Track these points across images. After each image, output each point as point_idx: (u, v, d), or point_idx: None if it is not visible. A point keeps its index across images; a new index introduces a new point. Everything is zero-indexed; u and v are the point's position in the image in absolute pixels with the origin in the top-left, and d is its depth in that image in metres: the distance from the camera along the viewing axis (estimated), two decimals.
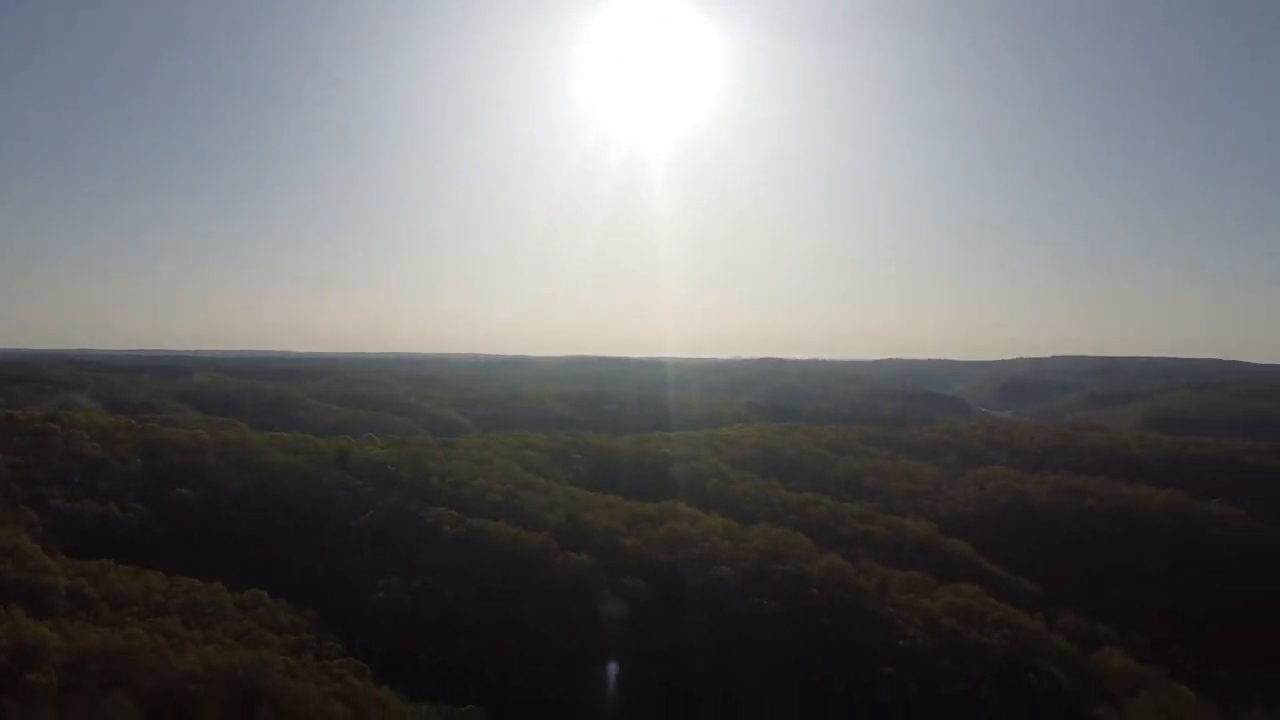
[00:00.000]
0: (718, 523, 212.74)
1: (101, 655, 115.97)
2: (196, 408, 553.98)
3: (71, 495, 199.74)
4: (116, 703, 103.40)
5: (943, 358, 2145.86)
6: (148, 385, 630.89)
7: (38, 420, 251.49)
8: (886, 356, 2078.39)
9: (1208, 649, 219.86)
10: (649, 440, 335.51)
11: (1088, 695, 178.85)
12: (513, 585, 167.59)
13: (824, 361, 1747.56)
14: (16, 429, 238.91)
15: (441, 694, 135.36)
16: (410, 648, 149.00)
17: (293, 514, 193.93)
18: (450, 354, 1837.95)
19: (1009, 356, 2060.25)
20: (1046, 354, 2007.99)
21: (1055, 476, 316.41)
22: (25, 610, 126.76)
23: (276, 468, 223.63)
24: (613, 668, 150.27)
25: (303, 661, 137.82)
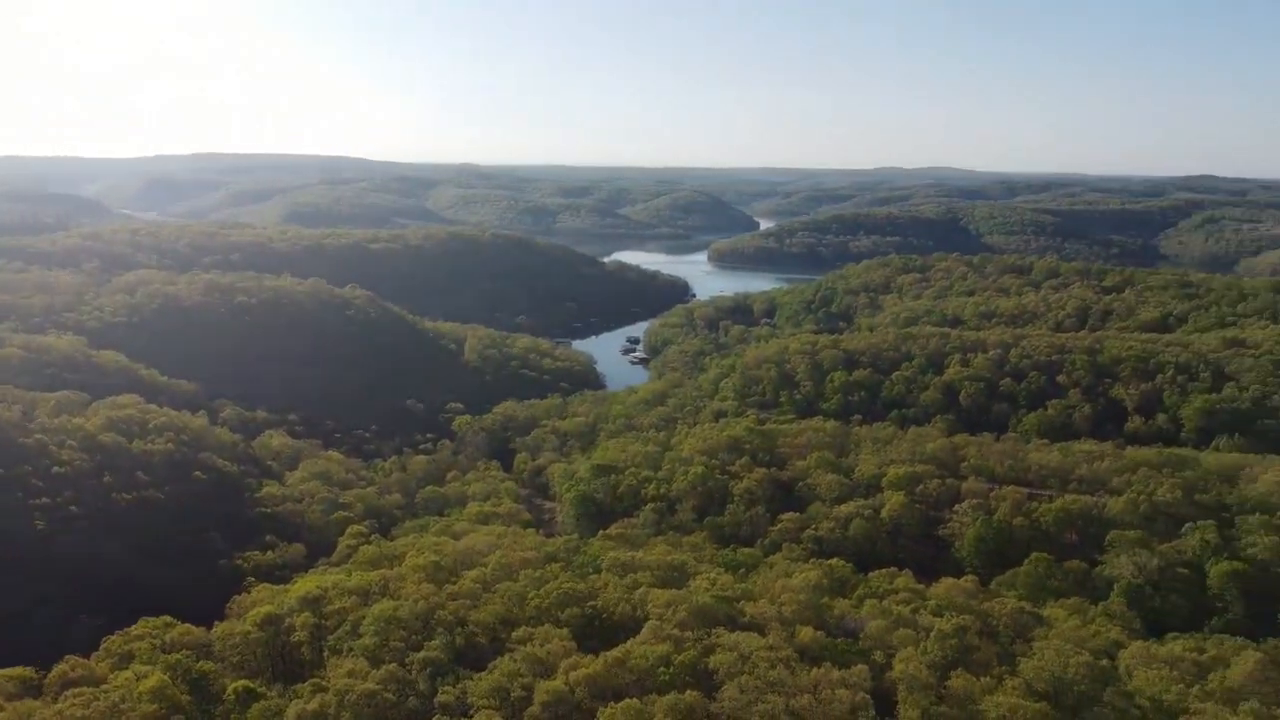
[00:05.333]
0: None
1: None
2: None
3: None
4: None
5: (69, 154, 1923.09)
6: None
7: None
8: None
9: (349, 414, 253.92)
10: None
11: (254, 476, 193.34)
12: None
13: None
14: None
15: None
16: None
17: None
18: None
19: (149, 154, 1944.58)
20: (186, 152, 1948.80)
21: (206, 275, 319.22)
22: None
23: None
24: None
25: None
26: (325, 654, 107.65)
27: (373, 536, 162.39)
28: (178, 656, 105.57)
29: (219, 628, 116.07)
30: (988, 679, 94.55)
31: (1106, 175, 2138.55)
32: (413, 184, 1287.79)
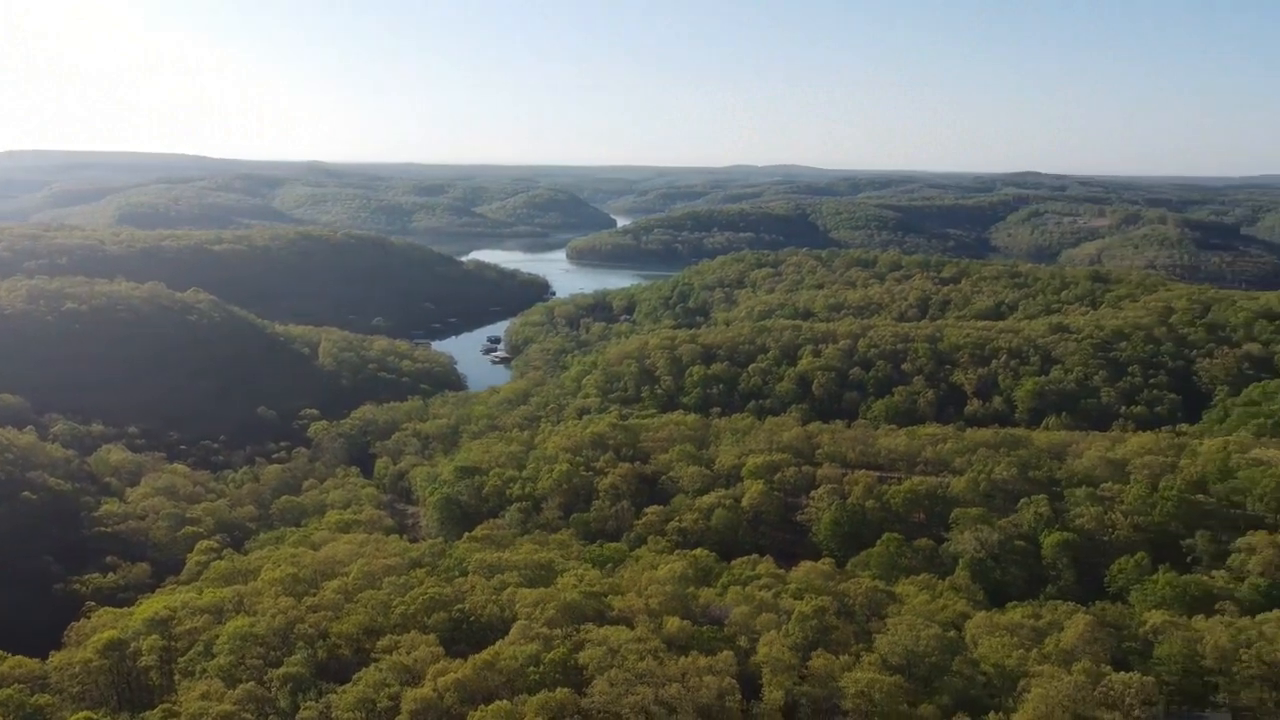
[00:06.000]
0: None
1: None
2: None
3: None
4: None
5: None
6: None
7: None
8: None
9: (195, 424, 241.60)
10: None
11: (91, 494, 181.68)
12: None
13: None
14: None
15: None
16: None
17: None
18: None
19: None
20: (1, 150, 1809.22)
21: (30, 281, 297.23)
22: None
23: None
24: None
25: None
26: (176, 677, 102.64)
27: (224, 551, 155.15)
28: (9, 691, 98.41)
29: (55, 657, 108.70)
30: (846, 657, 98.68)
31: (941, 172, 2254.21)
32: (257, 183, 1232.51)
